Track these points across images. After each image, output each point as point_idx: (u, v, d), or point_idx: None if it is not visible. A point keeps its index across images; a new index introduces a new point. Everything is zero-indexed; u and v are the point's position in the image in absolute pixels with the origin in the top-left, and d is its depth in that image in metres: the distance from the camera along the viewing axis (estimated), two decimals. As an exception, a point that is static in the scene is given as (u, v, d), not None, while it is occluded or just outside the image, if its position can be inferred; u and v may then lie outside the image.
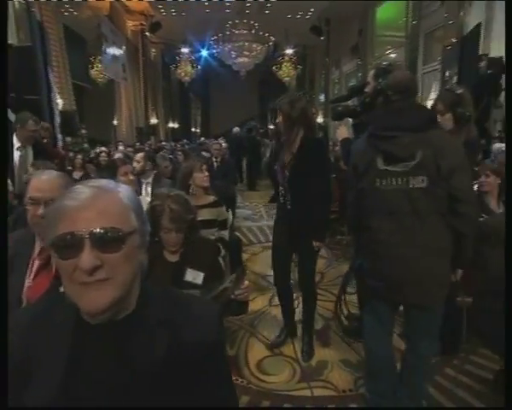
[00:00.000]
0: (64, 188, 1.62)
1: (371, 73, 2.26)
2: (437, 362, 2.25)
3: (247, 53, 9.55)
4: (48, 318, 0.75)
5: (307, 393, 1.96)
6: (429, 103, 6.27)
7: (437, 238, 1.54)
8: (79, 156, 4.93)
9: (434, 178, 1.49)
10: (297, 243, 2.26)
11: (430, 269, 1.54)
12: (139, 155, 2.99)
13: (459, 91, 2.12)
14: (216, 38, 10.01)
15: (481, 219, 2.39)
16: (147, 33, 11.79)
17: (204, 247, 1.71)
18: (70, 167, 5.47)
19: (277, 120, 2.23)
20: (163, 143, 9.17)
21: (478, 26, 5.43)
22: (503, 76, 5.32)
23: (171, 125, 14.75)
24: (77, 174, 4.95)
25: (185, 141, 10.94)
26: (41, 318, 0.76)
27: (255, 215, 6.27)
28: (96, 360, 0.71)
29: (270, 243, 2.56)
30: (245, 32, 9.18)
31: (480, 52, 5.54)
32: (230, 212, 4.32)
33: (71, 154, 5.87)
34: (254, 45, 9.53)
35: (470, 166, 1.63)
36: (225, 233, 2.54)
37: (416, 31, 8.41)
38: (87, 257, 0.64)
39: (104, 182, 0.74)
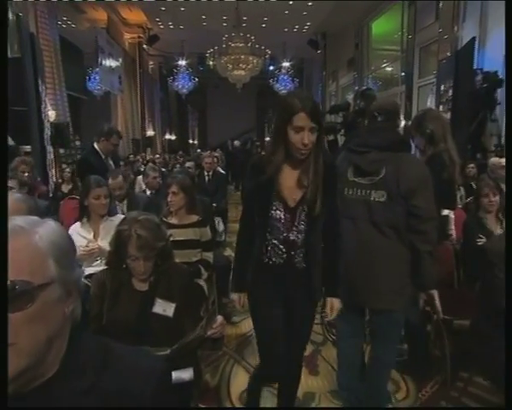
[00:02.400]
0: (26, 212, 1.50)
1: (352, 96, 2.40)
2: (433, 393, 2.12)
3: (243, 66, 9.51)
4: None
5: (292, 430, 1.80)
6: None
7: (393, 250, 1.63)
8: (68, 170, 4.82)
9: (393, 195, 1.60)
10: (297, 308, 1.56)
11: (385, 276, 1.63)
12: (115, 182, 2.68)
13: (424, 111, 2.27)
14: (212, 50, 10.00)
15: (481, 242, 2.27)
16: (144, 46, 11.81)
17: (177, 275, 1.55)
18: (60, 180, 5.36)
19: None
20: (156, 155, 9.08)
21: (472, 40, 5.38)
22: (498, 90, 5.28)
23: (167, 136, 14.70)
24: (65, 187, 4.84)
25: (181, 153, 10.86)
26: None
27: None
28: None
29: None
30: (241, 44, 9.16)
31: (475, 66, 5.49)
32: (222, 226, 4.23)
33: (63, 166, 5.77)
34: (251, 58, 9.51)
35: (433, 184, 1.67)
36: (209, 255, 2.40)
37: (411, 45, 8.42)
38: None
39: (20, 221, 0.61)
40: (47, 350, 0.58)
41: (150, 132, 12.38)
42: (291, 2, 8.80)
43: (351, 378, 1.86)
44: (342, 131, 2.93)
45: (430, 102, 6.82)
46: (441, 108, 6.09)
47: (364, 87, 7.61)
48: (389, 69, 10.39)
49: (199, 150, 12.87)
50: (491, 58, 6.11)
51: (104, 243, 1.99)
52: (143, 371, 0.67)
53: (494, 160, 3.60)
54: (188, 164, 4.41)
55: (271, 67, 12.28)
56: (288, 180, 1.44)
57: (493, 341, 1.74)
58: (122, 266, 1.44)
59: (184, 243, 2.20)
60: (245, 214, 1.55)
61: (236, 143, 11.82)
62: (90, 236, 2.13)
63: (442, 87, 6.06)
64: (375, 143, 1.66)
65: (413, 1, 8.05)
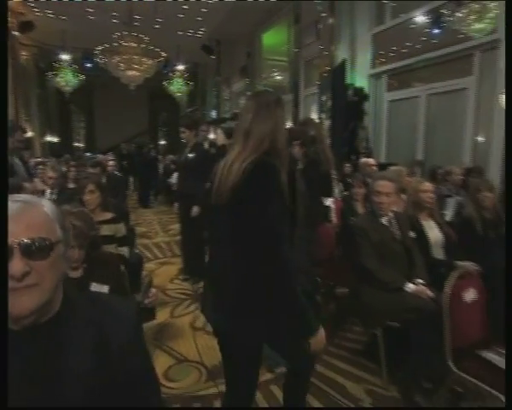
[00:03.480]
0: None
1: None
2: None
3: (136, 66, 9.38)
4: None
5: (215, 390, 2.13)
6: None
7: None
8: None
9: None
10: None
11: None
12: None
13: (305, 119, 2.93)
14: (102, 48, 9.59)
15: (351, 221, 2.94)
16: (14, 32, 10.59)
17: (107, 260, 1.76)
18: None
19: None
20: (38, 159, 8.26)
21: (343, 61, 6.48)
22: (365, 103, 6.49)
23: (49, 138, 13.38)
24: None
25: (68, 156, 10.08)
26: None
27: (150, 232, 6.21)
28: (26, 364, 0.78)
29: (167, 259, 2.58)
30: (134, 44, 9.03)
31: (348, 82, 6.64)
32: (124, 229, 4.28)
33: None
34: (144, 59, 9.44)
35: (314, 177, 2.29)
36: (124, 249, 2.56)
37: (297, 58, 9.53)
38: (17, 264, 0.72)
39: (28, 197, 0.83)
40: (56, 291, 0.81)
41: (27, 133, 11.13)
42: (185, 6, 9.08)
43: None
44: None
45: (314, 111, 7.91)
46: (323, 116, 7.16)
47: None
48: (279, 78, 11.50)
49: (88, 154, 12.09)
50: (360, 75, 7.44)
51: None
52: (122, 309, 0.94)
53: (363, 160, 4.51)
54: (92, 170, 4.35)
55: (165, 70, 12.28)
56: None
57: (365, 299, 2.36)
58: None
59: (102, 238, 2.33)
60: None
61: (133, 146, 11.52)
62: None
63: (324, 98, 7.12)
64: None
65: (296, 18, 9.17)
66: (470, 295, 1.87)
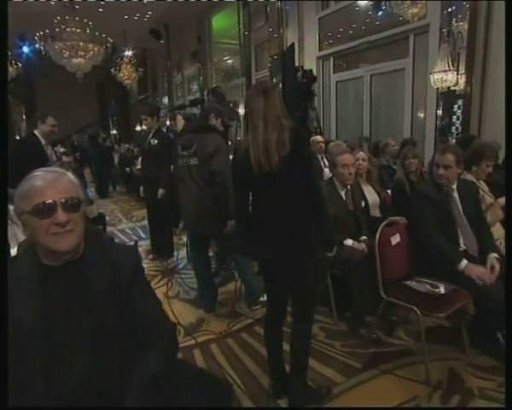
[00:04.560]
0: None
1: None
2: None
3: (82, 53, 9.17)
4: (12, 272, 1.10)
5: (192, 342, 2.52)
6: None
7: (204, 194, 2.67)
8: None
9: (201, 160, 2.65)
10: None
11: (203, 209, 2.68)
12: None
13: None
14: (42, 33, 9.25)
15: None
16: None
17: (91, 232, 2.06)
18: None
19: None
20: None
21: (292, 44, 6.89)
22: (315, 84, 6.97)
23: (-13, 133, 12.67)
24: None
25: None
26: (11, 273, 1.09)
27: (114, 220, 6.38)
28: (63, 290, 1.11)
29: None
30: (78, 30, 8.80)
31: (297, 64, 7.07)
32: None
33: None
34: (90, 46, 9.22)
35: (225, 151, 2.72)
36: (99, 228, 2.85)
37: (247, 41, 9.82)
38: (61, 215, 1.05)
39: (58, 168, 1.17)
40: (82, 238, 1.15)
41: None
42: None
43: (206, 288, 2.96)
44: None
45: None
46: (275, 98, 7.56)
47: (214, 85, 8.70)
48: (230, 62, 11.73)
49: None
50: (308, 58, 7.91)
51: None
52: (127, 251, 1.29)
53: (313, 138, 4.98)
54: (66, 159, 4.54)
55: (113, 57, 12.03)
56: None
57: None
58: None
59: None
60: None
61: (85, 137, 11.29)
62: None
63: (274, 80, 7.51)
64: (189, 129, 2.81)
65: (245, 1, 9.43)
66: (396, 239, 2.38)
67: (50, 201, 1.04)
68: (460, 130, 5.58)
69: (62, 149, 8.07)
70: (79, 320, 1.10)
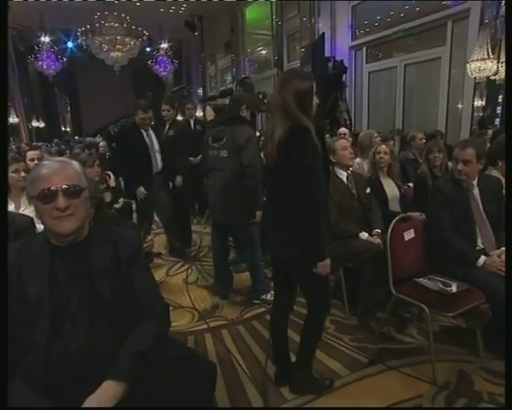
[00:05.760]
0: None
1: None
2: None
3: (120, 47, 9.54)
4: (26, 250, 1.21)
5: (205, 326, 2.61)
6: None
7: (233, 186, 2.70)
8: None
9: (231, 152, 2.67)
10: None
11: (232, 201, 2.71)
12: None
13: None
14: (83, 29, 9.71)
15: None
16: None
17: (108, 219, 2.19)
18: None
19: None
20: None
21: (322, 34, 6.77)
22: (344, 75, 6.82)
23: (35, 123, 13.52)
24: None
25: (56, 141, 10.34)
26: (22, 252, 1.21)
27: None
28: (68, 268, 1.22)
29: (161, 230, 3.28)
30: (116, 25, 9.16)
31: (328, 55, 6.95)
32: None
33: None
34: (127, 39, 9.58)
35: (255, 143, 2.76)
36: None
37: (280, 32, 9.75)
38: (61, 201, 1.15)
39: (64, 158, 1.27)
40: (85, 221, 1.24)
41: (13, 119, 11.32)
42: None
43: (222, 276, 3.06)
44: None
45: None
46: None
47: (243, 76, 8.70)
48: (263, 53, 11.70)
49: (77, 137, 12.32)
50: (340, 49, 7.74)
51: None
52: (128, 235, 1.38)
53: (340, 130, 4.91)
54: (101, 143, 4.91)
55: (148, 49, 12.39)
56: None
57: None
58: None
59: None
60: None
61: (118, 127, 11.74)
62: (11, 207, 2.51)
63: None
64: (221, 121, 2.80)
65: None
66: (410, 234, 2.33)
67: (53, 187, 1.14)
68: (500, 122, 5.29)
69: (99, 140, 8.46)
70: (81, 294, 1.20)
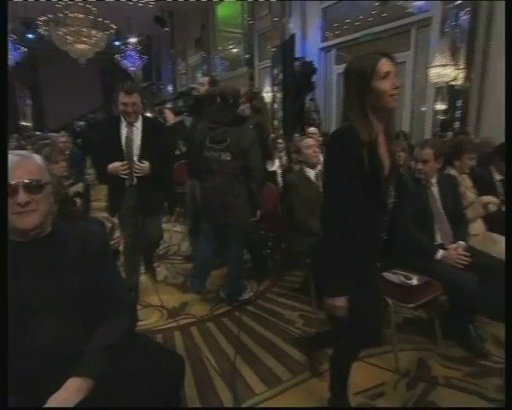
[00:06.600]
0: None
1: (205, 79, 3.27)
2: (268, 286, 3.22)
3: (85, 39, 9.23)
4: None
5: (174, 324, 2.61)
6: (264, 95, 7.58)
7: (236, 187, 2.69)
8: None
9: (235, 155, 2.61)
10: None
11: (233, 203, 2.68)
12: None
13: (255, 90, 3.28)
14: (46, 18, 9.32)
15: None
16: None
17: (74, 215, 2.15)
18: None
19: None
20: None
21: (292, 35, 6.88)
22: (316, 75, 6.97)
23: (-8, 117, 12.80)
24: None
25: (16, 136, 9.88)
26: None
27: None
28: (33, 263, 1.19)
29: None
30: (81, 16, 8.86)
31: (298, 55, 7.07)
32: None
33: None
34: (94, 32, 9.28)
35: (260, 144, 2.74)
36: None
37: (251, 30, 9.80)
38: (21, 196, 1.13)
39: (25, 152, 1.24)
40: (48, 216, 1.22)
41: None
42: (133, -23, 9.00)
43: (203, 271, 2.99)
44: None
45: (268, 83, 8.30)
46: (275, 88, 7.58)
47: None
48: (235, 51, 11.70)
49: (38, 133, 11.81)
50: (310, 50, 7.89)
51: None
52: (94, 230, 1.37)
53: (309, 129, 5.03)
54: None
55: (117, 43, 12.09)
56: (382, 146, 1.38)
57: (295, 245, 2.91)
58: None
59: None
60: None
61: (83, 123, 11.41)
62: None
63: (275, 71, 7.53)
64: (222, 121, 2.64)
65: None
66: (374, 231, 2.44)
67: (13, 182, 1.12)
68: (459, 125, 5.58)
69: (62, 136, 8.14)
70: (48, 289, 1.19)
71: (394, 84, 1.30)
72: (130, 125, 2.67)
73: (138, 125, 2.70)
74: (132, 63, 12.85)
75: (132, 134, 2.68)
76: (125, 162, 2.63)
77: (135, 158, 2.67)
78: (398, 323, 2.38)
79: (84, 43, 9.31)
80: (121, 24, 10.82)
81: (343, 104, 1.39)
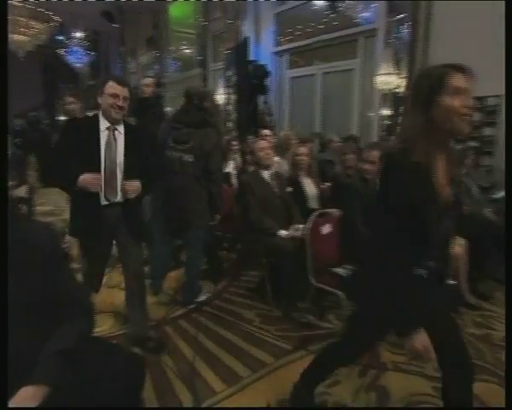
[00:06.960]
0: None
1: (151, 80, 3.29)
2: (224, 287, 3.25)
3: (23, 30, 8.63)
4: None
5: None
6: (218, 97, 7.59)
7: (197, 190, 2.71)
8: None
9: (198, 157, 2.65)
10: None
11: (192, 206, 2.71)
12: None
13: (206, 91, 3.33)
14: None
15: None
16: None
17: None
18: None
19: None
20: None
21: (245, 39, 6.98)
22: (269, 79, 7.11)
23: None
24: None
25: None
26: None
27: (57, 210, 6.16)
28: None
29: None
30: (19, 4, 8.28)
31: (251, 58, 7.17)
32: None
33: None
34: (33, 22, 8.70)
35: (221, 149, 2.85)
36: None
37: (205, 31, 9.76)
38: None
39: None
40: None
41: None
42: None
43: (161, 273, 3.03)
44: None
45: (221, 85, 8.32)
46: (230, 90, 7.63)
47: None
48: (188, 51, 11.57)
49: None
50: (263, 54, 8.03)
51: None
52: (43, 232, 1.32)
53: (262, 131, 5.11)
54: None
55: (61, 37, 11.46)
56: (441, 171, 1.21)
57: (250, 245, 2.96)
58: None
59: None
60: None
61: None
62: None
63: (229, 73, 7.57)
64: (187, 122, 2.66)
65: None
66: (327, 229, 2.57)
67: None
68: (403, 130, 5.96)
69: None
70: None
71: (466, 103, 1.14)
72: (113, 127, 2.08)
73: (121, 129, 2.12)
74: (78, 59, 12.28)
75: (116, 140, 2.08)
76: (98, 175, 2.00)
77: (117, 170, 2.08)
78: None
79: (21, 34, 8.70)
80: (65, 17, 10.30)
81: (403, 121, 1.26)
